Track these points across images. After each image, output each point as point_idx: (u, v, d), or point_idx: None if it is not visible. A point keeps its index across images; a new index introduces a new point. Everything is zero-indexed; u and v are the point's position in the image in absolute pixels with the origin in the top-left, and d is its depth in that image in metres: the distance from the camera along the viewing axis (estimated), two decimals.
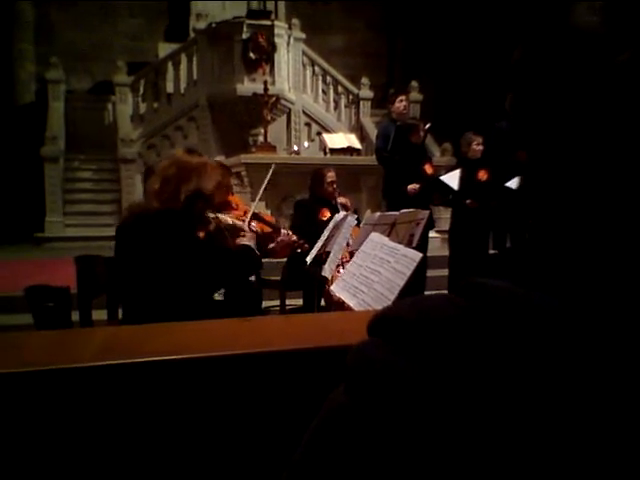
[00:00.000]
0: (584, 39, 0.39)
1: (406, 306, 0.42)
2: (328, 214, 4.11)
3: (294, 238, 3.39)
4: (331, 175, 4.38)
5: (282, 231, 3.33)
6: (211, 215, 2.51)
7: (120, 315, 2.52)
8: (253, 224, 3.11)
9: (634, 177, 0.37)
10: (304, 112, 9.89)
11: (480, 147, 4.95)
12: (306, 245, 3.71)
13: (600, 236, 0.39)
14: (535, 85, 0.42)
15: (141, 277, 2.18)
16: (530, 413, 0.34)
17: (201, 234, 2.34)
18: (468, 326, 0.37)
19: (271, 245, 3.30)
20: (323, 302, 3.72)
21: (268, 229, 3.22)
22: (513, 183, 4.42)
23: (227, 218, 2.86)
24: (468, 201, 4.82)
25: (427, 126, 5.29)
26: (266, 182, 3.54)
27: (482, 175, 4.85)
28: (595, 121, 0.39)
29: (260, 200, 5.41)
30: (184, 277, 2.15)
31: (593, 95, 0.38)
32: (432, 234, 5.63)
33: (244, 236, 2.66)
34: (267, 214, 4.41)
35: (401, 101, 5.43)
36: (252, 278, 3.59)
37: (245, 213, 3.37)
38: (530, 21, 0.43)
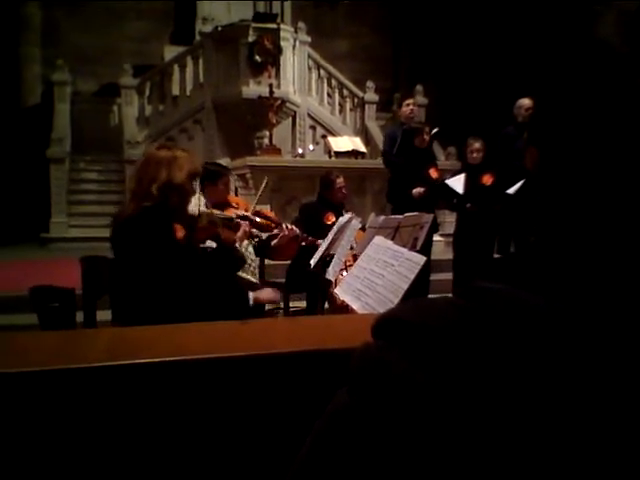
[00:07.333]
0: (607, 56, 0.39)
1: (409, 308, 0.42)
2: (333, 218, 4.13)
3: (297, 231, 3.42)
4: (340, 181, 4.44)
5: (283, 226, 3.33)
6: (205, 210, 2.53)
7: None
8: (257, 219, 3.13)
9: None
10: (309, 115, 9.89)
11: (475, 153, 4.90)
12: (310, 238, 3.72)
13: (604, 243, 0.39)
14: (555, 95, 0.42)
15: (127, 280, 2.21)
16: (526, 414, 0.34)
17: (181, 229, 2.35)
18: (469, 329, 0.37)
19: (274, 242, 3.31)
20: (327, 305, 3.72)
21: (271, 223, 3.24)
22: (512, 189, 4.42)
23: (217, 212, 2.90)
24: (468, 205, 4.81)
25: (434, 131, 5.29)
26: (259, 195, 3.57)
27: (487, 179, 4.83)
28: (610, 136, 0.39)
29: (265, 203, 5.43)
30: (162, 277, 2.15)
31: (611, 111, 0.39)
32: (436, 238, 5.62)
33: (239, 225, 2.70)
34: (268, 210, 4.43)
35: (407, 105, 5.46)
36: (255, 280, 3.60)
37: (246, 211, 3.38)
38: (555, 32, 0.43)
